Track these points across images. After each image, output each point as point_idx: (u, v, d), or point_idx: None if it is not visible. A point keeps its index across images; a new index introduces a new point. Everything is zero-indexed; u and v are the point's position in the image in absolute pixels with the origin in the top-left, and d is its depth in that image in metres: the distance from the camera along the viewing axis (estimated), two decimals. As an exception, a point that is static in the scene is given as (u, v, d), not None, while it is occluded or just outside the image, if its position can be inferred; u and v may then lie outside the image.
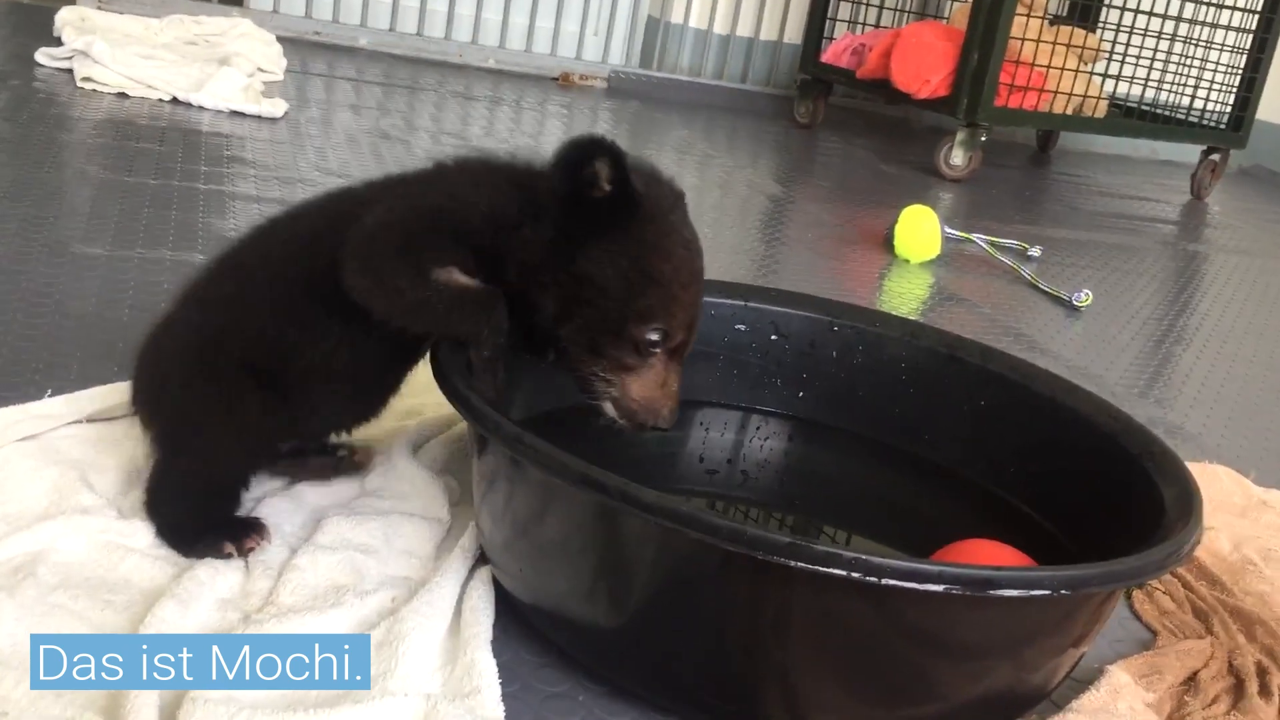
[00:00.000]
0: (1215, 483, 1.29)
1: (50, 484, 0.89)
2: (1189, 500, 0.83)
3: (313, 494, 0.96)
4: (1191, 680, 0.91)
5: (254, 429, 0.86)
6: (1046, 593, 0.70)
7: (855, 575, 0.66)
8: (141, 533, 0.85)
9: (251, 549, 0.85)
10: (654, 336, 0.83)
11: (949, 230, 2.21)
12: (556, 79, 3.34)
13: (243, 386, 0.85)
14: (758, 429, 1.13)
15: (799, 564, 0.67)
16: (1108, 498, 0.94)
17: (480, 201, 0.84)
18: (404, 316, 0.83)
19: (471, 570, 0.87)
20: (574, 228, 0.82)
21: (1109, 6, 3.20)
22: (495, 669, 0.76)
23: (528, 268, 0.84)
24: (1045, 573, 0.71)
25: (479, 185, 0.86)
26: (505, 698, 0.75)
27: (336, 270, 0.82)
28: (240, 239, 0.94)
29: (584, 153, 0.81)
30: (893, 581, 0.67)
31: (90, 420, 1.00)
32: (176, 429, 0.87)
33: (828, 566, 0.67)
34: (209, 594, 0.79)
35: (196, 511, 0.87)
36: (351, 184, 0.93)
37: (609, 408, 0.86)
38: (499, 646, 0.80)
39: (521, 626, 0.83)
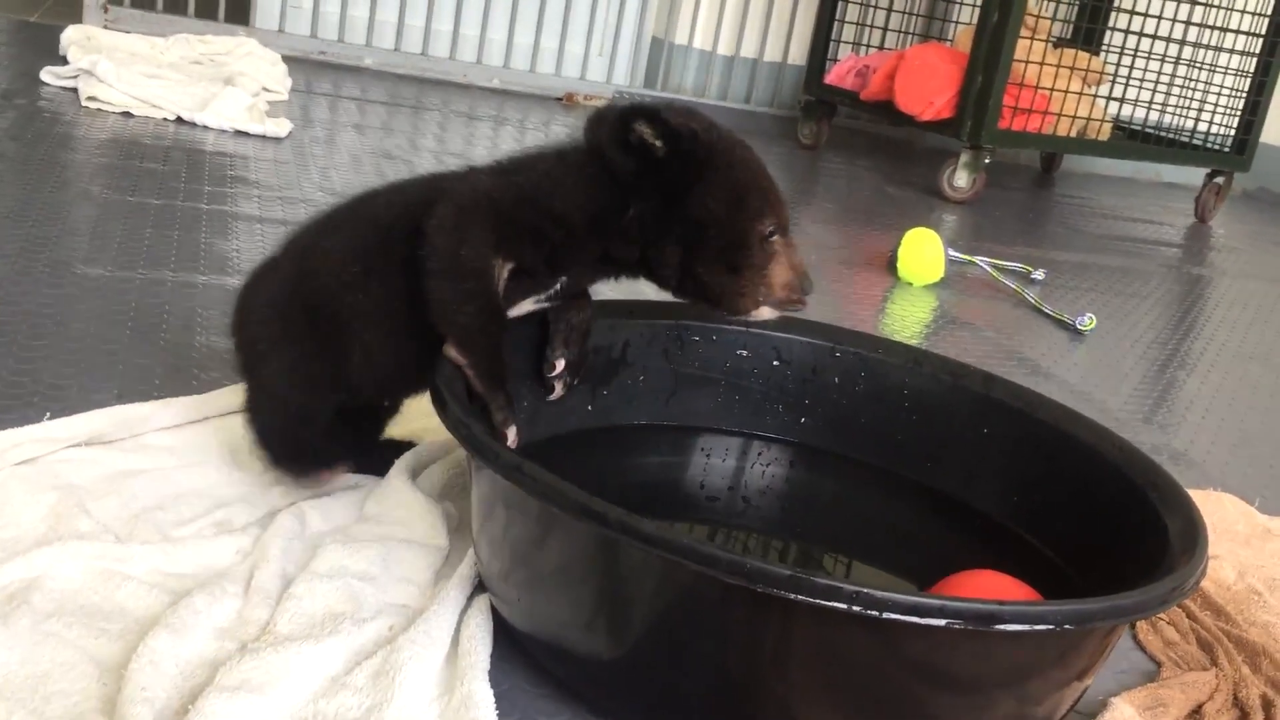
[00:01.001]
0: (1219, 510, 1.28)
1: (48, 509, 0.88)
2: (1194, 532, 0.83)
3: (315, 517, 0.95)
4: (1196, 713, 0.90)
5: (307, 368, 0.95)
6: (1050, 628, 0.69)
7: (857, 609, 0.66)
8: (139, 559, 0.85)
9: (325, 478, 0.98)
10: (770, 228, 0.92)
11: (952, 253, 2.21)
12: (561, 99, 3.35)
13: (301, 328, 0.94)
14: (759, 455, 1.12)
15: (800, 597, 0.66)
16: (1111, 528, 0.94)
17: (580, 190, 0.90)
18: (444, 291, 0.88)
19: (470, 598, 0.86)
20: (664, 187, 0.90)
21: (1113, 30, 3.21)
22: (493, 699, 0.76)
23: (639, 240, 0.91)
24: (1049, 608, 0.70)
25: (576, 174, 0.91)
26: (503, 729, 0.74)
27: (422, 224, 0.88)
28: (340, 201, 1.01)
29: (623, 125, 0.88)
30: (895, 616, 0.66)
31: (90, 444, 0.99)
32: (247, 358, 0.99)
33: (829, 600, 0.66)
34: (206, 623, 0.78)
35: (279, 434, 0.98)
36: (458, 169, 0.99)
37: (764, 311, 0.93)
38: (497, 676, 0.79)
39: (520, 656, 0.83)
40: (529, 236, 0.90)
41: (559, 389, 1.01)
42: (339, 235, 0.97)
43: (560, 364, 0.99)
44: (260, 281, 1.00)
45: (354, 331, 0.94)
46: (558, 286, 0.95)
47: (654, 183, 0.89)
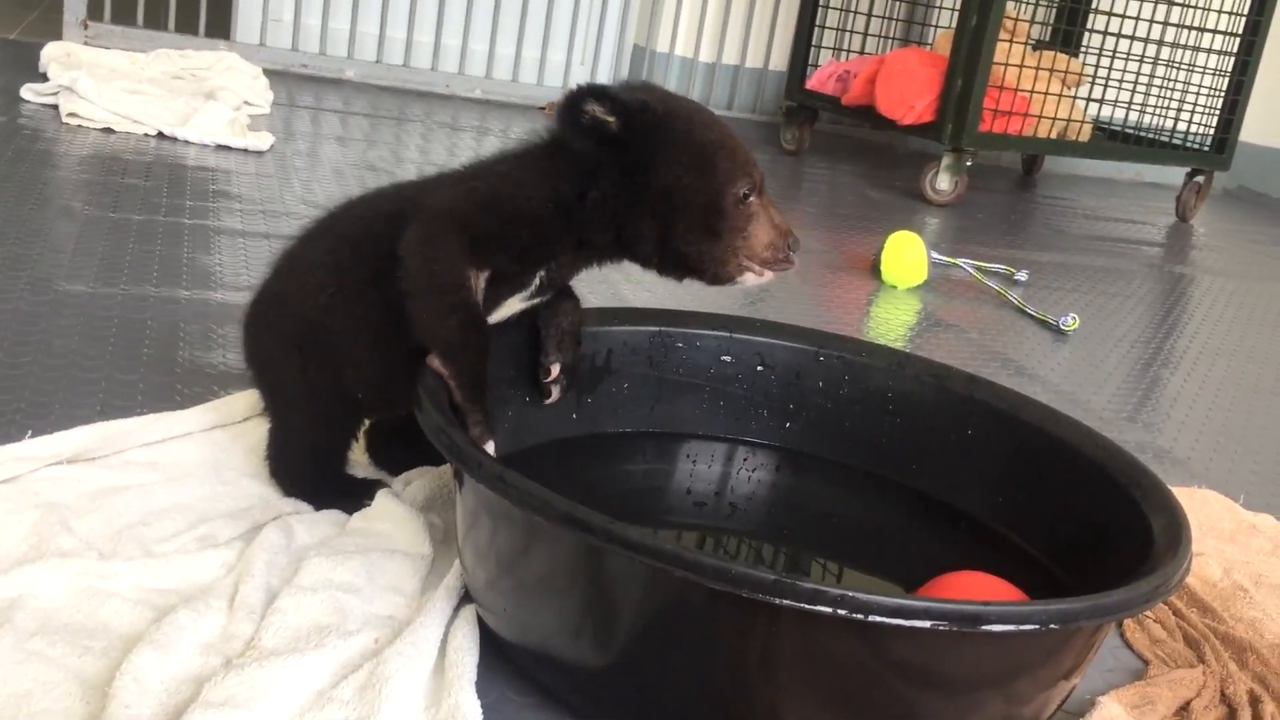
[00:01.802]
0: (1204, 507, 1.28)
1: (29, 527, 0.87)
2: (1177, 530, 0.83)
3: (300, 531, 0.95)
4: (1184, 710, 0.90)
5: (311, 382, 0.96)
6: (1035, 627, 0.69)
7: (842, 613, 0.66)
8: (122, 575, 0.84)
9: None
10: (745, 189, 0.91)
11: (936, 255, 2.22)
12: (543, 108, 3.35)
13: (297, 341, 0.96)
14: (745, 460, 1.12)
15: (785, 602, 0.66)
16: (1096, 527, 0.94)
17: (540, 184, 0.91)
18: (424, 309, 0.88)
19: (456, 609, 0.86)
20: (624, 164, 0.89)
21: (1091, 31, 3.23)
22: (480, 710, 0.75)
23: (611, 221, 0.91)
24: (1034, 607, 0.71)
25: (535, 168, 0.92)
26: (490, 740, 0.74)
27: (396, 246, 0.89)
28: (320, 216, 1.02)
29: (574, 106, 0.88)
30: (880, 619, 0.66)
31: (71, 461, 0.99)
32: (261, 385, 1.01)
33: (814, 604, 0.66)
34: (190, 638, 0.78)
35: (304, 468, 1.00)
36: (424, 177, 1.01)
37: (750, 277, 0.92)
38: (484, 686, 0.79)
39: (507, 666, 0.83)
40: (497, 241, 0.90)
41: (555, 393, 1.01)
42: (315, 252, 0.98)
43: (555, 368, 0.99)
44: (252, 309, 1.01)
45: (341, 349, 0.95)
46: (537, 282, 0.94)
47: (616, 160, 0.89)
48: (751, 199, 0.91)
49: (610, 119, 0.88)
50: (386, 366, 0.95)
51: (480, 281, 0.90)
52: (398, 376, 0.93)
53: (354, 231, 0.97)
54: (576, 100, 0.88)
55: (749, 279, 0.93)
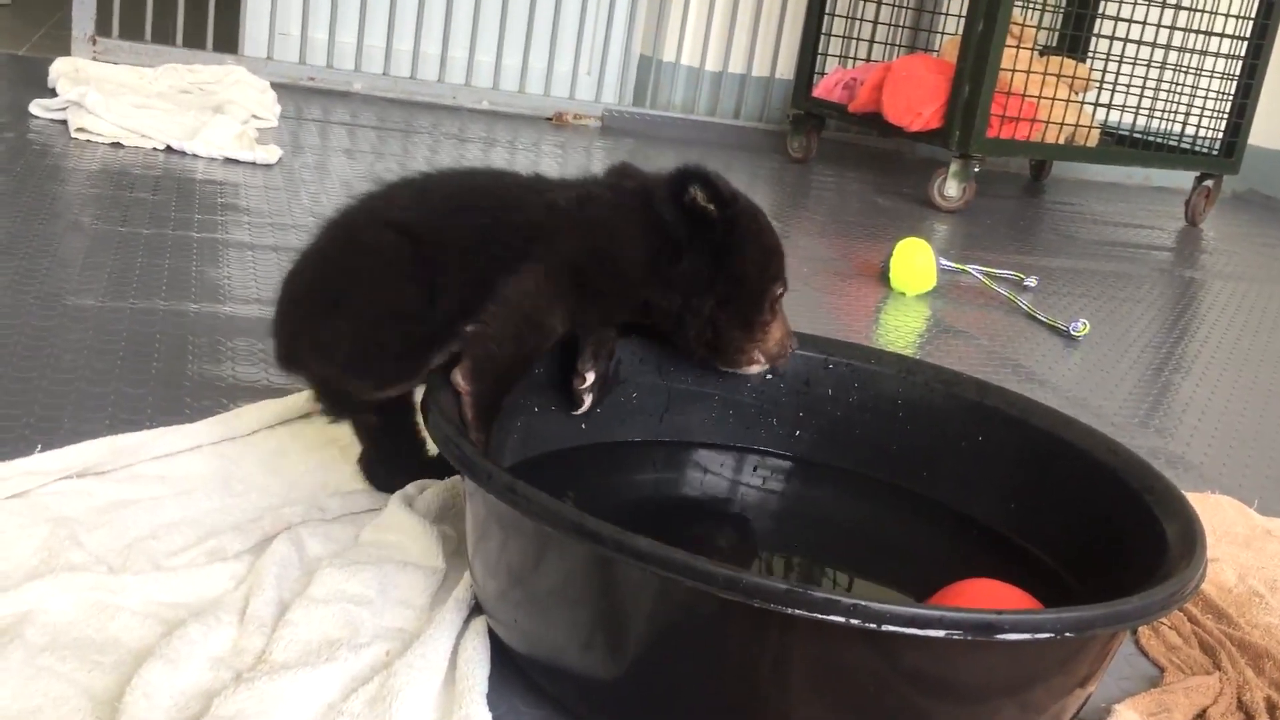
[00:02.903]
0: (1218, 513, 1.27)
1: (39, 542, 0.87)
2: (1192, 536, 0.82)
3: (312, 543, 0.95)
4: (1201, 718, 0.89)
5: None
6: (1050, 636, 0.69)
7: (855, 622, 0.65)
8: (132, 589, 0.84)
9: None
10: (780, 292, 1.02)
11: (944, 262, 2.21)
12: (550, 118, 3.36)
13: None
14: (754, 469, 1.12)
15: (797, 611, 0.66)
16: (1109, 534, 0.93)
17: (643, 246, 0.97)
18: (499, 327, 0.91)
19: (466, 621, 0.86)
20: (711, 245, 0.98)
21: (1098, 36, 3.22)
22: (491, 723, 0.75)
23: (690, 290, 0.98)
24: (1048, 615, 0.70)
25: (637, 226, 0.97)
26: (502, 753, 0.74)
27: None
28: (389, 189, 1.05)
29: (680, 186, 0.96)
30: (894, 628, 0.66)
31: (81, 476, 0.99)
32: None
33: (826, 613, 0.66)
34: (200, 653, 0.78)
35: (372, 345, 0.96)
36: (532, 179, 1.04)
37: (755, 368, 1.03)
38: (494, 699, 0.79)
39: (517, 678, 0.82)
40: (596, 299, 0.95)
41: (588, 401, 1.01)
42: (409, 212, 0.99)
43: (591, 376, 1.00)
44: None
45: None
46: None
47: (703, 239, 0.97)
48: (779, 303, 1.02)
49: (710, 206, 0.96)
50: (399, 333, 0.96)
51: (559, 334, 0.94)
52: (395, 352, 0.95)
53: (422, 220, 0.97)
54: (684, 181, 0.95)
55: (754, 369, 1.03)
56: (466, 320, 0.92)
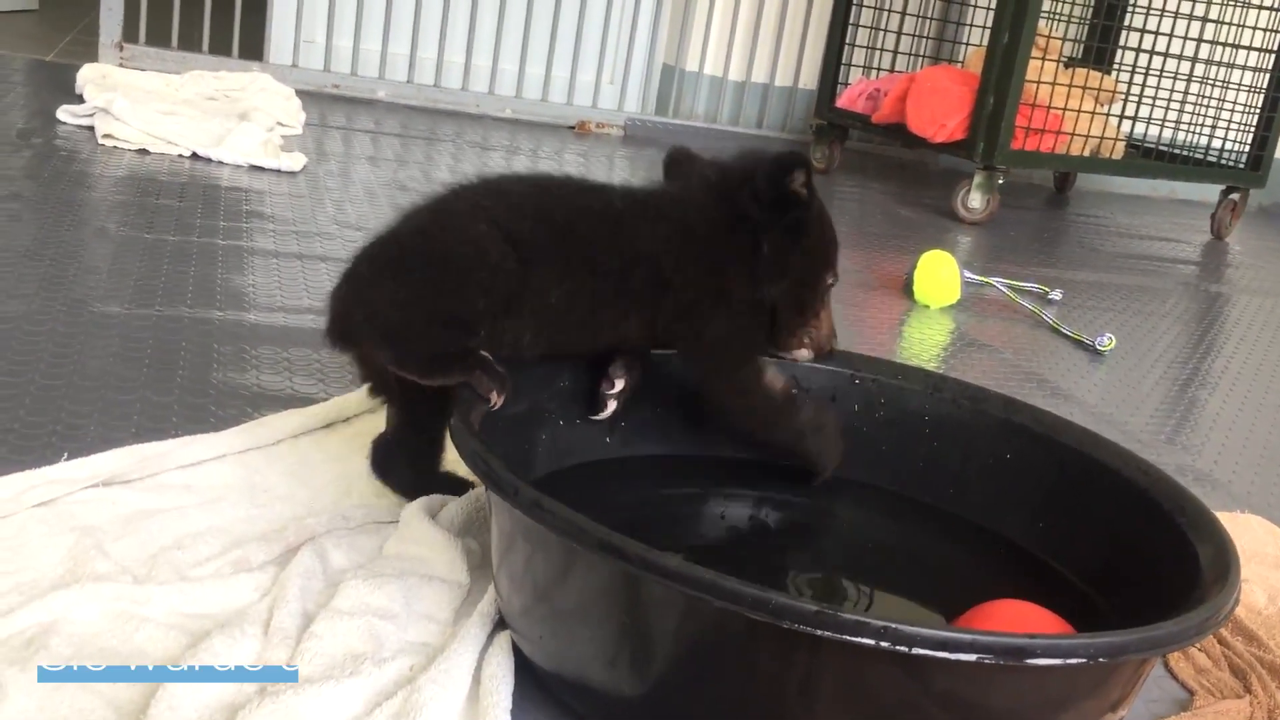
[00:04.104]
0: (1248, 532, 1.26)
1: (65, 551, 0.88)
2: (1225, 559, 0.81)
3: (336, 555, 0.94)
4: (1232, 743, 0.88)
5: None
6: (1083, 661, 0.68)
7: (885, 644, 0.65)
8: (157, 600, 0.84)
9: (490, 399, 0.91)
10: (832, 280, 1.05)
11: (969, 274, 2.20)
12: (573, 127, 3.36)
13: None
14: (781, 485, 1.11)
15: (826, 633, 0.65)
16: (1139, 555, 0.92)
17: (734, 255, 0.99)
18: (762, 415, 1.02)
19: (490, 636, 0.85)
20: (786, 230, 0.99)
21: (1124, 48, 3.20)
22: (515, 740, 0.75)
23: (763, 278, 1.00)
24: (1081, 640, 0.69)
25: (724, 236, 0.99)
26: (526, 770, 0.73)
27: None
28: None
29: (784, 171, 0.97)
30: (924, 651, 0.65)
31: (107, 484, 0.99)
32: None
33: (856, 635, 0.65)
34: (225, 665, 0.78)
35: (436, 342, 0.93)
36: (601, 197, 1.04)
37: (804, 352, 1.06)
38: (518, 715, 0.78)
39: (541, 694, 0.82)
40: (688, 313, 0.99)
41: (611, 407, 1.01)
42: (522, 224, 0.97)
43: (620, 382, 1.00)
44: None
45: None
46: None
47: (779, 223, 0.98)
48: (829, 293, 1.05)
49: (804, 191, 0.98)
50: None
51: None
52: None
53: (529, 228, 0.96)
54: (787, 166, 0.97)
55: (803, 354, 1.06)
56: (528, 334, 0.94)
